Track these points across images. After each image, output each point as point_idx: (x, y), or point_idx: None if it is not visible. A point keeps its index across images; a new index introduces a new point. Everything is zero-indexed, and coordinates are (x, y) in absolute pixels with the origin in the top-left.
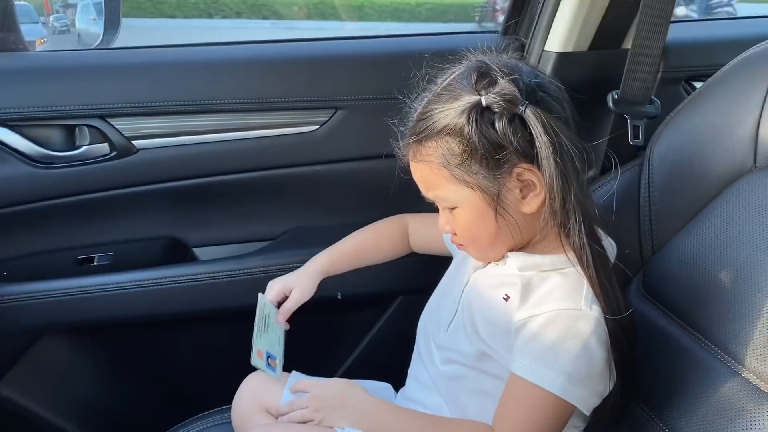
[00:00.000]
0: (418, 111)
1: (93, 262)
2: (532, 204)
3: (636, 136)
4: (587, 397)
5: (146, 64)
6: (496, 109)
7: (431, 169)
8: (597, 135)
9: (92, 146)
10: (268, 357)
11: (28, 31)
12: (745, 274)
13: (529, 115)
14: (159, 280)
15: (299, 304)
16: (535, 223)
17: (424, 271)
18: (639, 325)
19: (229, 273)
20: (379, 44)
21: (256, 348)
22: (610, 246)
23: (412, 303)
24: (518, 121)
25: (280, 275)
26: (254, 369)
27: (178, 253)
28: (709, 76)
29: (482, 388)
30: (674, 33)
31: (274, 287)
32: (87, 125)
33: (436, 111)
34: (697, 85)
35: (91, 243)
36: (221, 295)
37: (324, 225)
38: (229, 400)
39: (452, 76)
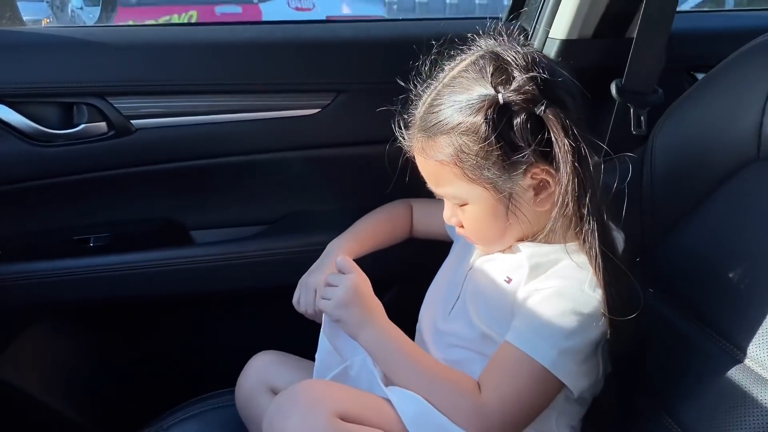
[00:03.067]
0: (427, 102)
1: (89, 243)
2: (545, 202)
3: (639, 125)
4: (576, 376)
5: (146, 42)
6: (514, 107)
7: (442, 166)
8: (599, 123)
9: (90, 125)
10: None
11: (32, 9)
12: (748, 262)
13: (549, 116)
14: (155, 262)
15: None
16: (546, 217)
17: (423, 257)
18: (641, 314)
19: (226, 256)
20: (382, 28)
21: None
22: (620, 237)
23: (411, 288)
24: (536, 121)
25: (277, 259)
26: (256, 350)
27: (175, 235)
28: (712, 67)
29: None
30: (678, 23)
31: (316, 289)
32: (85, 103)
33: (448, 105)
34: (699, 76)
35: (87, 223)
36: (218, 278)
37: (323, 210)
38: (225, 384)
39: (462, 65)
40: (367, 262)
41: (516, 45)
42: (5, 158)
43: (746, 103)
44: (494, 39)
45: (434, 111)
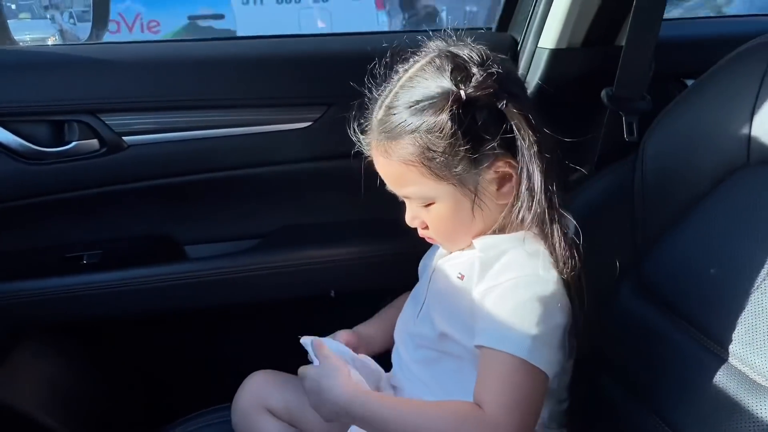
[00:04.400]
0: (385, 104)
1: (82, 261)
2: (507, 195)
3: (630, 133)
4: (553, 363)
5: (137, 59)
6: (478, 103)
7: (407, 167)
8: (591, 131)
9: (81, 142)
10: None
11: (38, 26)
12: (738, 268)
13: (512, 110)
14: (149, 279)
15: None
16: (503, 210)
17: (415, 268)
18: (633, 322)
19: (220, 271)
20: (371, 40)
21: None
22: (571, 221)
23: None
24: (498, 115)
25: (271, 273)
26: (251, 365)
27: (169, 250)
28: (700, 73)
29: (453, 368)
30: (666, 30)
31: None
32: (76, 121)
33: (409, 105)
34: (688, 82)
35: (79, 241)
36: (213, 293)
37: (317, 223)
38: (221, 399)
39: (418, 66)
40: (361, 274)
41: (469, 43)
42: None
43: (735, 109)
44: (444, 41)
45: (395, 112)
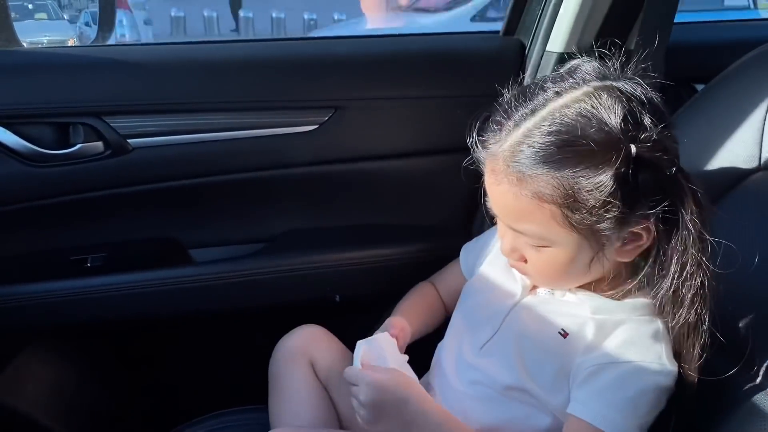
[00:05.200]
0: (526, 126)
1: (86, 263)
2: (631, 253)
3: None
4: None
5: (142, 61)
6: (646, 163)
7: (538, 205)
8: None
9: (86, 144)
10: None
11: (56, 27)
12: (754, 276)
13: (681, 180)
14: (154, 282)
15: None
16: (620, 267)
17: (422, 275)
18: None
19: (225, 274)
20: (378, 43)
21: None
22: None
23: None
24: (663, 181)
25: (277, 277)
26: (257, 369)
27: (174, 254)
28: (711, 78)
29: (510, 414)
30: (677, 35)
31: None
32: (81, 123)
33: (562, 143)
34: (699, 87)
35: (84, 244)
36: (217, 297)
37: (323, 226)
38: (224, 404)
39: (575, 95)
40: (367, 279)
41: (638, 79)
42: (1, 179)
43: (747, 114)
44: (605, 66)
45: (539, 143)
